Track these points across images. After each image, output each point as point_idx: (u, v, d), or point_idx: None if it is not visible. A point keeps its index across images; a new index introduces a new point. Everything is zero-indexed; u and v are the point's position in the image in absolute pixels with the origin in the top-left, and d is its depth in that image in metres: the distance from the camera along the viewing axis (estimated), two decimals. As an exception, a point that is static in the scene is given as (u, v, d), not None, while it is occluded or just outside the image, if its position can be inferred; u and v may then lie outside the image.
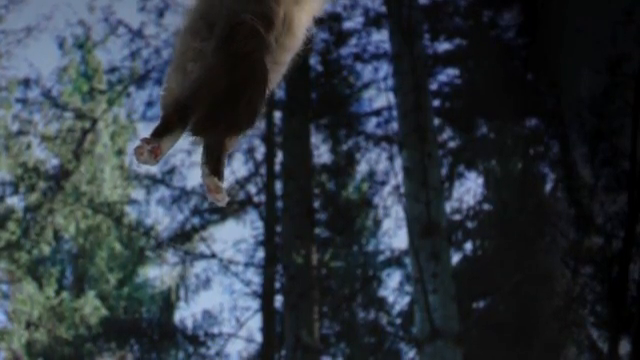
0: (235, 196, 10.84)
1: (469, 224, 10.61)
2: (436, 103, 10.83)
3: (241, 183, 10.75)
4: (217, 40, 2.46)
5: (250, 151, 10.77)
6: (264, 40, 2.46)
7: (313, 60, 10.97)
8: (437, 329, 9.14)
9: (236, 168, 10.63)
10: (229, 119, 2.44)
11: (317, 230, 10.76)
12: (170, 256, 11.20)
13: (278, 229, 10.76)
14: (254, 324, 12.12)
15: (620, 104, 8.72)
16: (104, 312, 10.85)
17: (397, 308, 10.95)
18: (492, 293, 10.00)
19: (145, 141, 2.43)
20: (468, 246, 10.63)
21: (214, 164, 2.58)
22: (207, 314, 10.91)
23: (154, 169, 11.07)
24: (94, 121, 11.25)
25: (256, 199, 10.85)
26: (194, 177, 11.16)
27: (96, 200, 11.08)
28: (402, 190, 10.13)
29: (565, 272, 8.99)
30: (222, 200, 2.57)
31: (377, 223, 11.42)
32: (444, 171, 10.51)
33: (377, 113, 10.97)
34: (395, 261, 11.06)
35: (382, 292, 11.04)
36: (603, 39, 8.78)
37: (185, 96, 2.47)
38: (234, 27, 2.45)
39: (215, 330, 10.79)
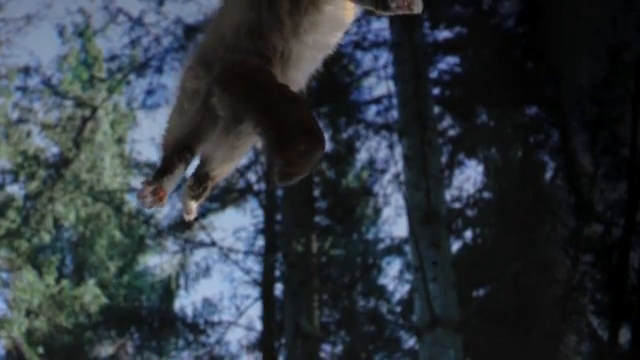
0: (235, 184, 10.85)
1: (469, 212, 10.62)
2: (436, 91, 10.83)
3: (241, 171, 10.75)
4: (216, 80, 2.40)
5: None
6: (271, 72, 2.36)
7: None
8: (437, 317, 9.14)
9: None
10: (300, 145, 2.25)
11: (317, 218, 10.76)
12: (170, 244, 11.21)
13: (278, 217, 10.76)
14: (254, 312, 12.18)
15: (620, 92, 8.72)
16: (104, 300, 10.86)
17: (397, 296, 10.98)
18: (492, 281, 10.00)
19: (146, 183, 2.44)
20: (468, 234, 10.65)
21: (199, 192, 2.60)
22: (207, 302, 10.92)
23: (154, 157, 11.05)
24: (94, 109, 11.24)
25: (256, 187, 10.85)
26: (194, 166, 11.13)
27: (96, 188, 11.07)
28: (402, 178, 10.12)
29: (565, 260, 8.99)
30: (190, 218, 2.62)
31: (377, 211, 11.43)
32: (444, 159, 10.51)
33: (377, 101, 10.96)
34: (395, 249, 11.07)
35: (382, 280, 11.07)
36: (603, 27, 8.77)
37: (185, 135, 2.47)
38: (237, 64, 2.36)
39: (215, 318, 10.81)
